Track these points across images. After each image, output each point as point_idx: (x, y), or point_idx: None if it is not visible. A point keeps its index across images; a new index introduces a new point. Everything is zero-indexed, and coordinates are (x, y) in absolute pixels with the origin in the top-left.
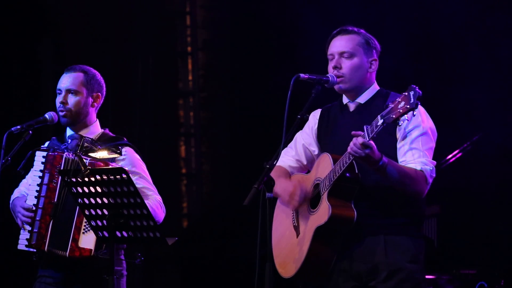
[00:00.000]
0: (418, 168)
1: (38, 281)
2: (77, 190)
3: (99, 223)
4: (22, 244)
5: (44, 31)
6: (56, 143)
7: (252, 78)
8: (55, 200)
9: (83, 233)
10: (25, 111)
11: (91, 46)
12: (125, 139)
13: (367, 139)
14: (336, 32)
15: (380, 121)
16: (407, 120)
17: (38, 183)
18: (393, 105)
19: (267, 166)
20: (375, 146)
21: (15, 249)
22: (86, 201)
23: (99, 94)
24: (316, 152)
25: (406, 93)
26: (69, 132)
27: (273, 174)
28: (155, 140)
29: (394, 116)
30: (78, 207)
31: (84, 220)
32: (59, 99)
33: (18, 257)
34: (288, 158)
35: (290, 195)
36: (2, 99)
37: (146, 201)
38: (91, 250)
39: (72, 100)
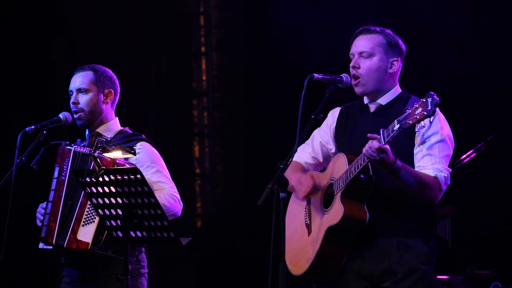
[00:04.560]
0: (433, 174)
1: (62, 282)
2: (91, 190)
3: (113, 223)
4: (42, 243)
5: (58, 32)
6: (78, 144)
7: (266, 78)
8: (64, 193)
9: (83, 225)
10: (40, 111)
11: (105, 46)
12: (143, 135)
13: (383, 143)
14: (358, 31)
15: (397, 126)
16: (424, 126)
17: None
18: (410, 111)
19: (281, 166)
20: (390, 150)
21: (43, 250)
22: (100, 201)
23: (111, 90)
24: (333, 150)
25: (424, 100)
26: (87, 131)
27: (289, 169)
28: (169, 140)
29: (410, 122)
30: (81, 199)
31: (85, 212)
32: (71, 100)
33: (48, 257)
34: (304, 154)
35: (303, 185)
36: (17, 99)
37: (158, 195)
38: (88, 243)
39: (83, 99)
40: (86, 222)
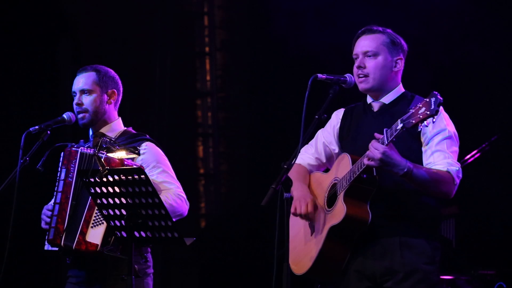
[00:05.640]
0: (445, 169)
1: (67, 282)
2: (95, 190)
3: (117, 223)
4: (47, 245)
5: (62, 32)
6: (82, 144)
7: (270, 78)
8: (71, 195)
9: (92, 227)
10: (44, 111)
11: (109, 46)
12: (147, 135)
13: (386, 142)
14: (361, 31)
15: (400, 125)
16: (426, 126)
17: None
18: (413, 110)
19: (285, 167)
20: (394, 153)
21: (47, 251)
22: (105, 201)
23: (114, 90)
24: (337, 151)
25: (428, 99)
26: (90, 131)
27: (291, 173)
28: (173, 140)
29: (413, 122)
30: (89, 201)
31: (94, 214)
32: (74, 101)
33: (52, 258)
34: (307, 156)
35: (300, 206)
36: (21, 99)
37: (165, 196)
38: (97, 245)
39: (87, 100)
40: (95, 224)
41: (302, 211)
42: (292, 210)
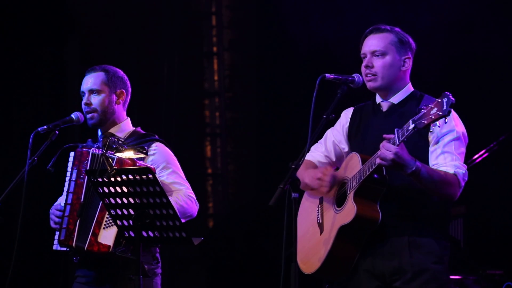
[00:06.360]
0: (451, 171)
1: (75, 281)
2: (103, 190)
3: (125, 223)
4: (56, 245)
5: (71, 32)
6: (90, 144)
7: (278, 78)
8: (82, 196)
9: (104, 228)
10: (52, 111)
11: (117, 46)
12: (156, 136)
13: (397, 142)
14: (368, 31)
15: (412, 126)
16: (439, 126)
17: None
18: (425, 111)
19: (293, 166)
20: (404, 153)
21: (55, 250)
22: (112, 201)
23: (123, 90)
24: (346, 150)
25: (440, 100)
26: (99, 132)
27: (301, 168)
28: (180, 140)
29: (425, 122)
30: (101, 202)
31: (106, 215)
32: (83, 101)
33: (60, 257)
34: (318, 153)
35: (319, 180)
36: (29, 100)
37: (175, 197)
38: (109, 246)
39: (95, 99)
40: (107, 225)
41: (325, 179)
42: (314, 187)
